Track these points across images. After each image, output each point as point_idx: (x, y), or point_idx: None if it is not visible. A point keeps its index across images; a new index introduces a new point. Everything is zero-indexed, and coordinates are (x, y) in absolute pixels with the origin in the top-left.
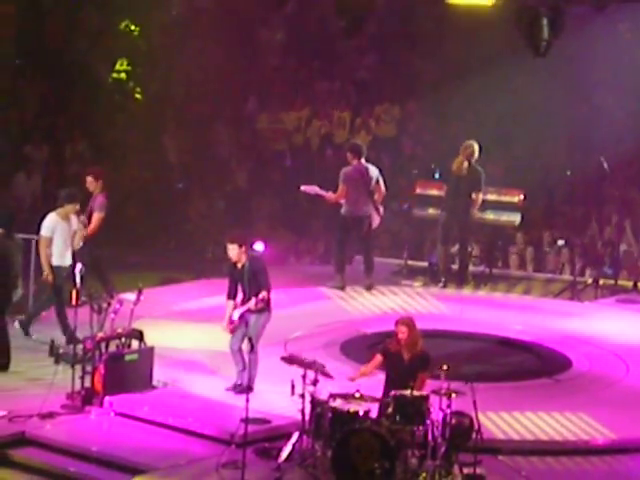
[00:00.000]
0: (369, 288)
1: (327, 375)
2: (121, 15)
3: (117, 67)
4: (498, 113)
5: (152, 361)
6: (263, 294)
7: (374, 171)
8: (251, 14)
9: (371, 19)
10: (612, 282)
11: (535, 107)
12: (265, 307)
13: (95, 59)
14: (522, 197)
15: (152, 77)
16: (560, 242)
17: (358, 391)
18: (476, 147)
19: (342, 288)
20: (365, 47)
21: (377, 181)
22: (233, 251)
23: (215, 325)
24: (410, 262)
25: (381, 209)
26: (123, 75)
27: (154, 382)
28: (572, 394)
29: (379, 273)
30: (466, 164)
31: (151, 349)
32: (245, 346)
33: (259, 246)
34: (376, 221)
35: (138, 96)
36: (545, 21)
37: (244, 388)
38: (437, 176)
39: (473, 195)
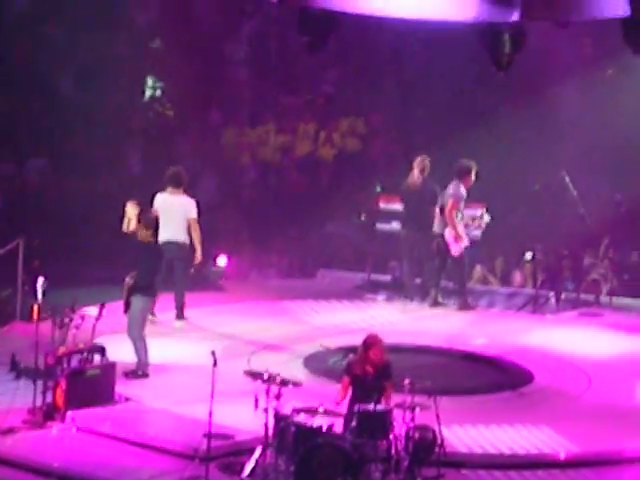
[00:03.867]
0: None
1: (295, 384)
2: (86, 30)
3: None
4: (462, 127)
5: (114, 376)
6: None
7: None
8: (215, 28)
9: (334, 33)
10: (574, 296)
11: (500, 121)
12: (141, 290)
13: (59, 74)
14: (484, 211)
15: (117, 89)
16: (528, 255)
17: (322, 405)
18: (428, 161)
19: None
20: (329, 61)
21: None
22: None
23: (178, 339)
24: (374, 276)
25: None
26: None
27: (116, 397)
28: (535, 408)
29: (342, 287)
30: (420, 178)
31: (113, 364)
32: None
33: (222, 260)
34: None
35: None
36: (507, 36)
37: (134, 373)
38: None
39: (432, 210)
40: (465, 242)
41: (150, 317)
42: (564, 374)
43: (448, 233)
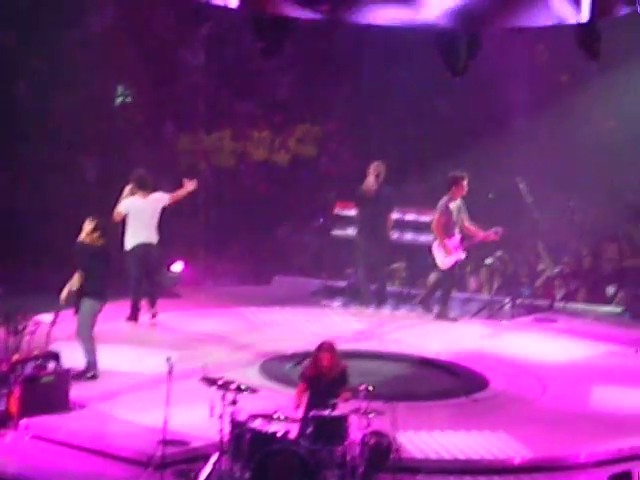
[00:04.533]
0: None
1: (251, 390)
2: (34, 33)
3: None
4: (418, 133)
5: (69, 383)
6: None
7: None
8: (170, 34)
9: (289, 39)
10: (529, 302)
11: (455, 127)
12: (89, 293)
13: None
14: None
15: (73, 95)
16: (488, 260)
17: (278, 411)
18: (384, 167)
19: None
20: (284, 67)
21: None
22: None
23: (134, 347)
24: (330, 282)
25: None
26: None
27: (71, 404)
28: (490, 413)
29: (298, 293)
30: (375, 184)
31: (68, 371)
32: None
33: (178, 266)
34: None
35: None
36: (462, 42)
37: (82, 375)
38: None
39: (388, 216)
40: (457, 256)
41: (151, 320)
42: (519, 380)
43: (436, 246)
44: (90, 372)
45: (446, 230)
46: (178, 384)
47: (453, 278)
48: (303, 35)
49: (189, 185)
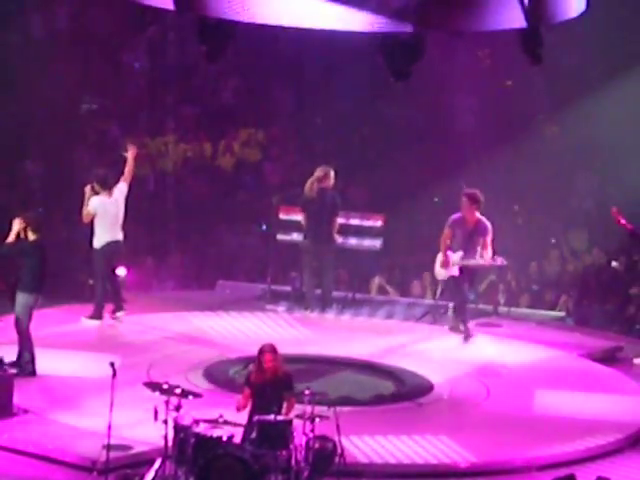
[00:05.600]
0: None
1: (195, 394)
2: None
3: None
4: (362, 138)
5: (12, 388)
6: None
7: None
8: (112, 37)
9: (233, 43)
10: (473, 306)
11: (398, 131)
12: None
13: None
14: (381, 222)
15: (14, 100)
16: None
17: (222, 416)
18: (329, 172)
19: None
20: (227, 72)
21: None
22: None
23: (77, 351)
24: (274, 287)
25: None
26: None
27: (14, 409)
28: (434, 417)
29: (242, 297)
30: (316, 188)
31: (11, 375)
32: None
33: (121, 271)
34: None
35: None
36: (404, 46)
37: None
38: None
39: (333, 220)
40: (450, 271)
41: (119, 314)
42: (463, 384)
43: (438, 258)
44: (27, 368)
45: (449, 244)
46: (122, 389)
47: (460, 293)
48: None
49: (130, 154)
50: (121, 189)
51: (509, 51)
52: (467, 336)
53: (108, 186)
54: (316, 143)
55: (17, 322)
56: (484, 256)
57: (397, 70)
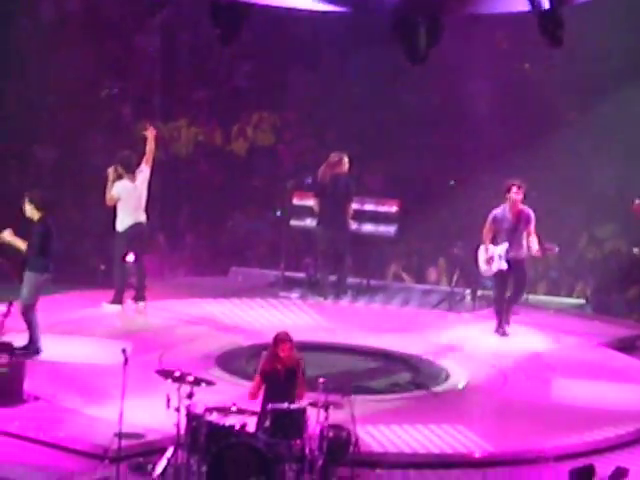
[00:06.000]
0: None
1: (208, 382)
2: None
3: None
4: (378, 123)
5: (23, 374)
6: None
7: None
8: (124, 20)
9: (247, 25)
10: (490, 293)
11: (414, 116)
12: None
13: None
14: (396, 208)
15: (25, 85)
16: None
17: (235, 404)
18: (344, 157)
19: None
20: (241, 55)
21: None
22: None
23: (89, 338)
24: (287, 273)
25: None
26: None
27: (25, 396)
28: (450, 406)
29: (255, 284)
30: (334, 173)
31: (22, 362)
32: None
33: (132, 257)
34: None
35: None
36: (422, 29)
37: (25, 349)
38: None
39: (347, 206)
40: (498, 265)
41: (140, 304)
42: (480, 372)
43: (481, 254)
44: (32, 347)
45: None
46: (134, 376)
47: (497, 287)
48: (261, 21)
49: (149, 133)
50: (145, 174)
51: (527, 33)
52: (502, 332)
53: (132, 168)
54: (330, 127)
55: (22, 302)
56: (531, 246)
57: (414, 53)
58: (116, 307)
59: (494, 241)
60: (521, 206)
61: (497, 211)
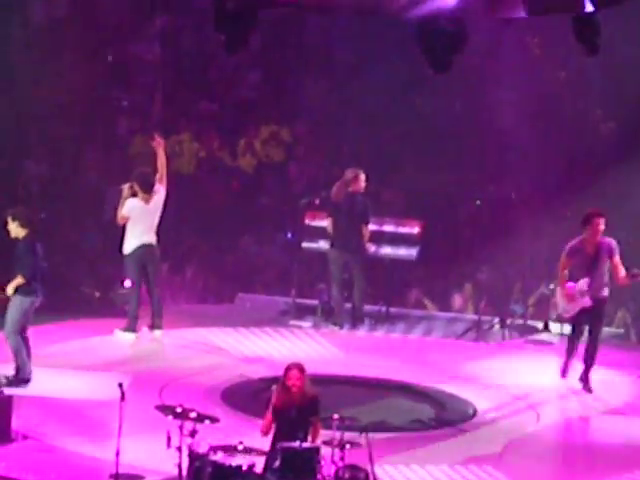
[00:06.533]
0: None
1: (212, 419)
2: None
3: None
4: (396, 137)
5: (10, 411)
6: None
7: None
8: (121, 26)
9: (255, 32)
10: (521, 322)
11: (436, 130)
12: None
13: None
14: (418, 229)
15: (15, 97)
16: None
17: (242, 443)
18: (360, 174)
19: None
20: (247, 64)
21: None
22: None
23: (83, 371)
24: (299, 300)
25: None
26: None
27: (13, 435)
28: (477, 445)
29: (264, 312)
30: (348, 192)
31: (9, 398)
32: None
33: (128, 282)
34: None
35: None
36: (446, 35)
37: (15, 378)
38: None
39: (363, 227)
40: (581, 302)
41: (156, 332)
42: (510, 408)
43: (559, 293)
44: (21, 375)
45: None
46: (132, 412)
47: (574, 328)
48: (270, 28)
49: (157, 144)
50: (161, 194)
51: (561, 40)
52: (588, 388)
53: (148, 188)
54: (345, 142)
55: (8, 327)
56: (619, 274)
57: (436, 61)
58: (129, 336)
59: (571, 277)
60: (600, 237)
61: (574, 242)
